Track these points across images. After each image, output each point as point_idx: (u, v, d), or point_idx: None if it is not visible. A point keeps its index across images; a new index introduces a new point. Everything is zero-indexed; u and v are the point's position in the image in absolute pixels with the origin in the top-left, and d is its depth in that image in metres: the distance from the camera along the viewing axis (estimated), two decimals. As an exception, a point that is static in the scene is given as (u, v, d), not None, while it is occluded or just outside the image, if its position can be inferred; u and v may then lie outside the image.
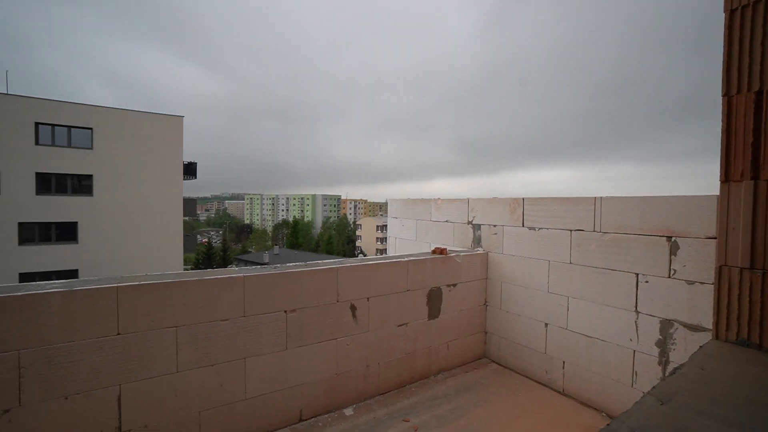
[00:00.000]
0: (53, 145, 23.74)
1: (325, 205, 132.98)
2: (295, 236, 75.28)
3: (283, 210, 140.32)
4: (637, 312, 2.78)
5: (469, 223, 4.27)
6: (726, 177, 1.54)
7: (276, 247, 57.68)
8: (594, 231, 3.08)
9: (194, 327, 2.39)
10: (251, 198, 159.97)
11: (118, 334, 2.17)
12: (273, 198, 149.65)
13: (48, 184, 23.70)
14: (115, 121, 25.14)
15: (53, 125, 23.73)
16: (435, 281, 3.62)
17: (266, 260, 45.26)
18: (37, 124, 23.18)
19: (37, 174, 23.21)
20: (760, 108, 1.43)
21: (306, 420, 2.88)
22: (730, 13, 1.54)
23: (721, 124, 1.48)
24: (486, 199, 4.10)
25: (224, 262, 53.26)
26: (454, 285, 3.77)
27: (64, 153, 23.79)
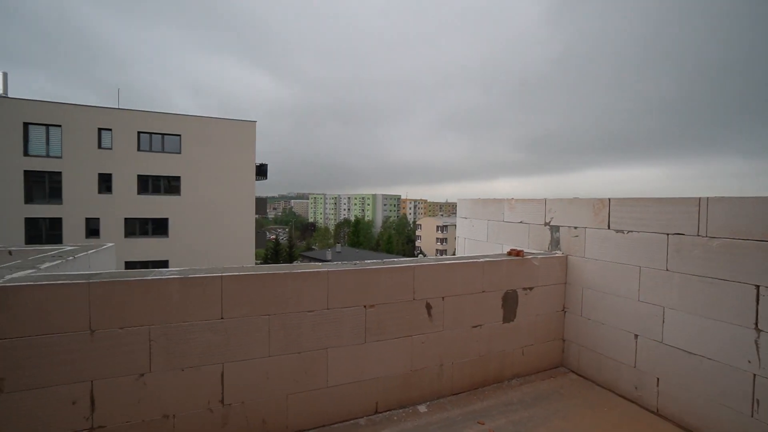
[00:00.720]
0: (150, 150, 27.02)
1: (385, 205, 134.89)
2: (357, 235, 77.50)
3: (344, 209, 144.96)
4: (758, 330, 2.45)
5: (546, 224, 4.07)
6: None
7: (338, 245, 59.77)
8: (698, 235, 2.77)
9: (284, 316, 2.59)
10: (315, 197, 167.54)
11: (222, 318, 2.42)
12: (335, 198, 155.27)
13: (146, 184, 27.01)
14: (199, 128, 27.91)
15: (151, 133, 26.99)
16: (511, 283, 3.52)
17: (329, 257, 47.09)
18: (138, 133, 26.53)
19: (138, 176, 26.58)
20: None
21: (381, 413, 2.97)
22: None
23: None
24: (566, 200, 3.88)
25: (290, 258, 56.45)
26: (531, 288, 3.62)
27: (158, 157, 26.98)
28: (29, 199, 24.51)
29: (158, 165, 26.79)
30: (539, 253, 3.81)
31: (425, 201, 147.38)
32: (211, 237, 27.13)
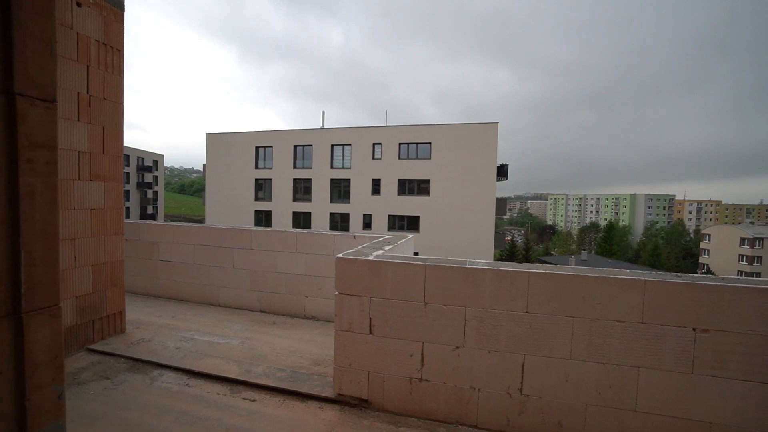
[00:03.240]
0: (408, 158, 32.00)
1: (649, 207, 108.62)
2: (608, 242, 65.62)
3: (591, 211, 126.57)
4: None
5: None
6: None
7: (584, 252, 52.82)
8: None
9: (589, 321, 2.44)
10: (555, 198, 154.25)
11: (527, 312, 2.53)
12: (580, 198, 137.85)
13: (404, 187, 32.19)
14: (446, 134, 30.88)
15: (408, 144, 31.94)
16: None
17: (572, 265, 42.38)
18: (399, 144, 31.95)
19: (398, 180, 32.04)
20: None
21: (713, 467, 2.35)
22: None
23: None
24: None
25: (526, 262, 54.26)
26: None
27: (413, 164, 31.61)
28: (332, 199, 33.90)
29: (413, 170, 31.50)
30: None
31: (717, 203, 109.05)
32: (453, 235, 29.57)
